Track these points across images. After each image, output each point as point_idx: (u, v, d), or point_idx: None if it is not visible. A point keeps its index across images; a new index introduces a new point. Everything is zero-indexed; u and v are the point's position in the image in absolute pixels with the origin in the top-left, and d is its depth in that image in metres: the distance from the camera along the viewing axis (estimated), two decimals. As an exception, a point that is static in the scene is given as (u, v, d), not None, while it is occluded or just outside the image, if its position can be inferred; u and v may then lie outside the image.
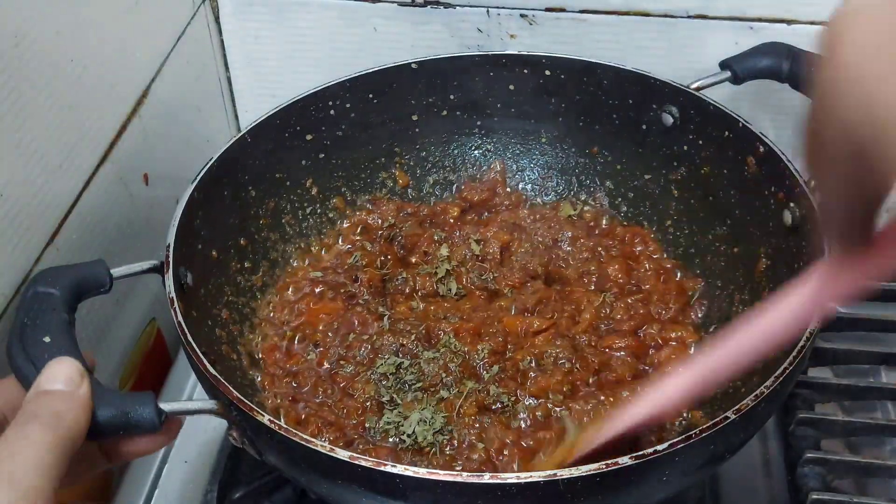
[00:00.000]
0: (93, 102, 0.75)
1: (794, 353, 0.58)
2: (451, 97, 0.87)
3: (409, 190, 0.90)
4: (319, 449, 0.53)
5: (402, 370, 0.72)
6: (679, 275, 0.81)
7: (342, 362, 0.74)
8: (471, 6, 0.91)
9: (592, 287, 0.80)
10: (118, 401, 0.53)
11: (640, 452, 0.51)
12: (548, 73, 0.85)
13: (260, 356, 0.76)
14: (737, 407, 0.54)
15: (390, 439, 0.67)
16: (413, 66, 0.85)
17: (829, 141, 0.36)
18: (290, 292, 0.81)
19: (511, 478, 0.50)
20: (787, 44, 0.81)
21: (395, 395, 0.70)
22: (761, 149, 0.73)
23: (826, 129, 0.36)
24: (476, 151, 0.91)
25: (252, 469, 0.76)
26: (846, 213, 0.39)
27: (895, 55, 0.34)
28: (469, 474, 0.51)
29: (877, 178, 0.35)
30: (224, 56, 1.00)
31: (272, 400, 0.72)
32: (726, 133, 0.76)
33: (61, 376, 0.51)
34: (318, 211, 0.86)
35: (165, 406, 0.53)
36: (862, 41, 0.34)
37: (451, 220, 0.87)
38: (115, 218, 0.80)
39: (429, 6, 0.91)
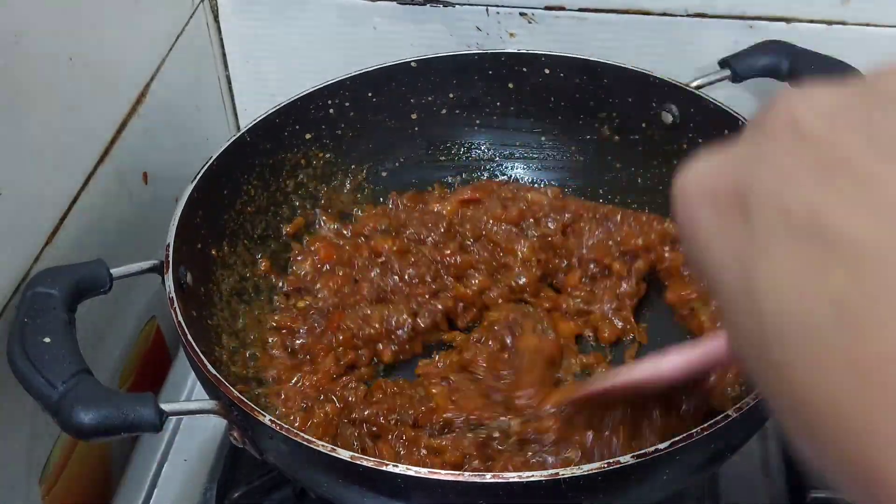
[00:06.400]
0: (91, 101, 0.75)
1: (794, 352, 0.58)
2: (451, 95, 0.87)
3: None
4: (321, 449, 0.53)
5: None
6: None
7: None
8: (470, 4, 0.90)
9: None
10: (118, 401, 0.53)
11: (642, 451, 0.52)
12: (547, 71, 0.85)
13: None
14: (738, 405, 0.55)
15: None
16: (413, 64, 0.84)
17: None
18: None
19: (513, 477, 0.51)
20: (786, 42, 0.81)
21: None
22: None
23: None
24: (475, 150, 0.91)
25: (251, 468, 0.76)
26: None
27: None
28: (471, 474, 0.51)
29: None
30: (223, 55, 1.00)
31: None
32: (726, 131, 0.76)
33: None
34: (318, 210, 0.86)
35: (166, 406, 0.53)
36: None
37: None
38: (113, 217, 0.79)
39: (428, 5, 0.91)
